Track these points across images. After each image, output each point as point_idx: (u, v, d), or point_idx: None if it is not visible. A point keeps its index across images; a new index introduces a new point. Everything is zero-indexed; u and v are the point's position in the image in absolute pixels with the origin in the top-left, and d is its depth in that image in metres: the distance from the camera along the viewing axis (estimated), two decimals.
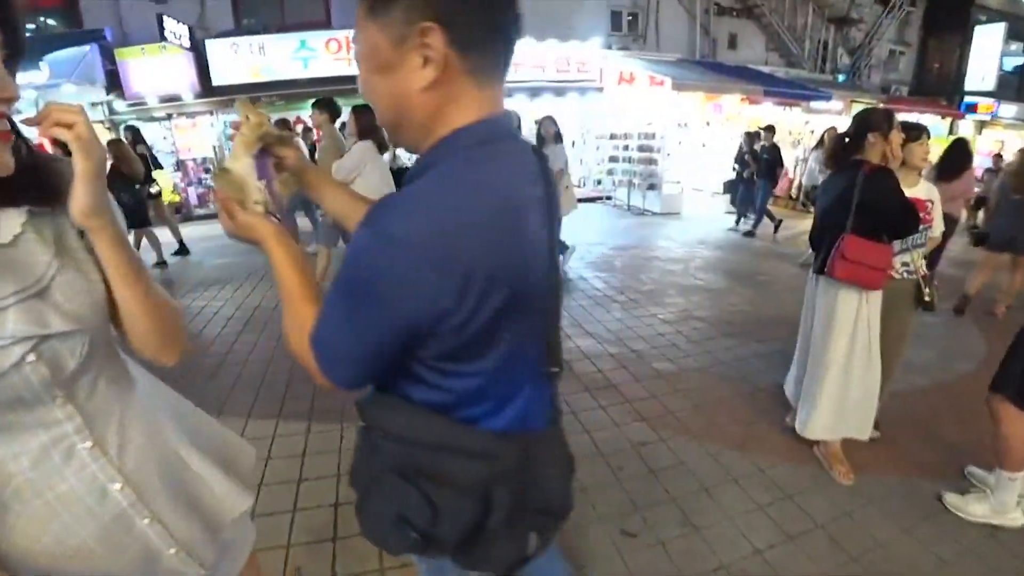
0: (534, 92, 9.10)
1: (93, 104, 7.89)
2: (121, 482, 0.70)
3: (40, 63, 6.74)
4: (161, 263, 5.50)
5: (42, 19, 8.75)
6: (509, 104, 0.71)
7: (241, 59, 8.33)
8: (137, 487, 0.72)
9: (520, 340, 0.70)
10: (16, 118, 0.63)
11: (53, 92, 6.91)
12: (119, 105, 8.36)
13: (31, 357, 0.61)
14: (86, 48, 7.62)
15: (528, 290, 0.67)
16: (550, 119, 4.89)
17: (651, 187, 8.55)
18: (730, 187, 7.78)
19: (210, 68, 8.34)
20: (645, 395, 2.84)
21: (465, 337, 0.63)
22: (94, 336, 0.68)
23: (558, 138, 4.86)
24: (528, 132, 6.27)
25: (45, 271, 0.64)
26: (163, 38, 7.54)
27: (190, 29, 8.27)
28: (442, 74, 0.61)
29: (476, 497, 0.70)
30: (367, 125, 3.41)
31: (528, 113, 7.05)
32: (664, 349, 3.45)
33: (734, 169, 7.56)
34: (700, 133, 9.83)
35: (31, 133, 0.66)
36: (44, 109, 0.59)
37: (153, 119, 8.60)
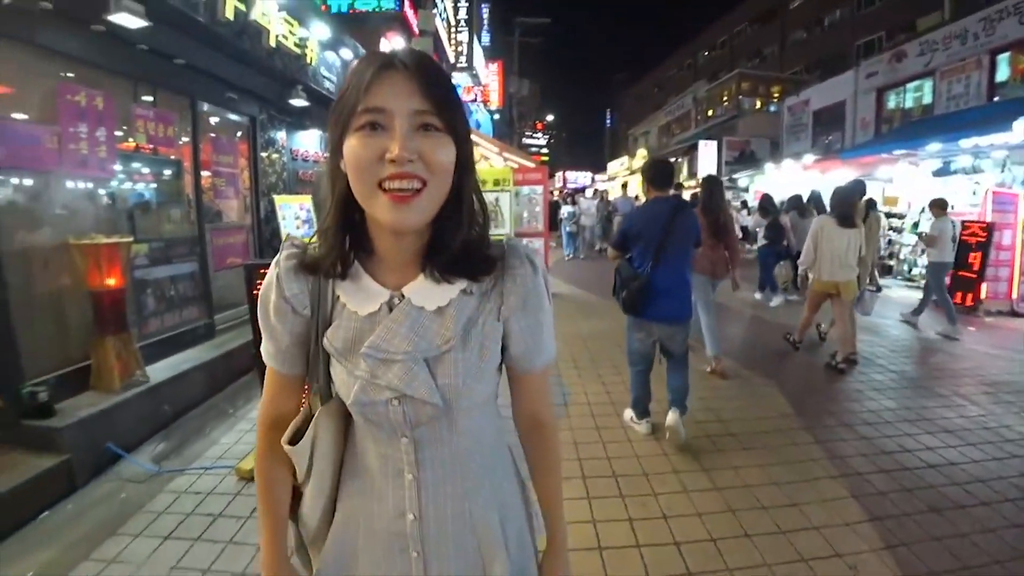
0: None
1: None
2: (415, 515, 0.75)
3: (1015, 122, 6.67)
4: None
5: None
6: None
7: None
8: (423, 525, 0.75)
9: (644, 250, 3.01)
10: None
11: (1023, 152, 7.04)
12: None
13: (395, 402, 0.71)
14: None
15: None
16: None
17: None
18: None
19: None
20: None
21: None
22: (450, 412, 0.72)
23: None
24: None
25: (442, 345, 0.71)
26: None
27: None
28: None
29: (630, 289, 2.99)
30: None
31: None
32: None
33: None
34: None
35: None
36: None
37: None
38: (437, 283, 0.71)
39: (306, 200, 5.72)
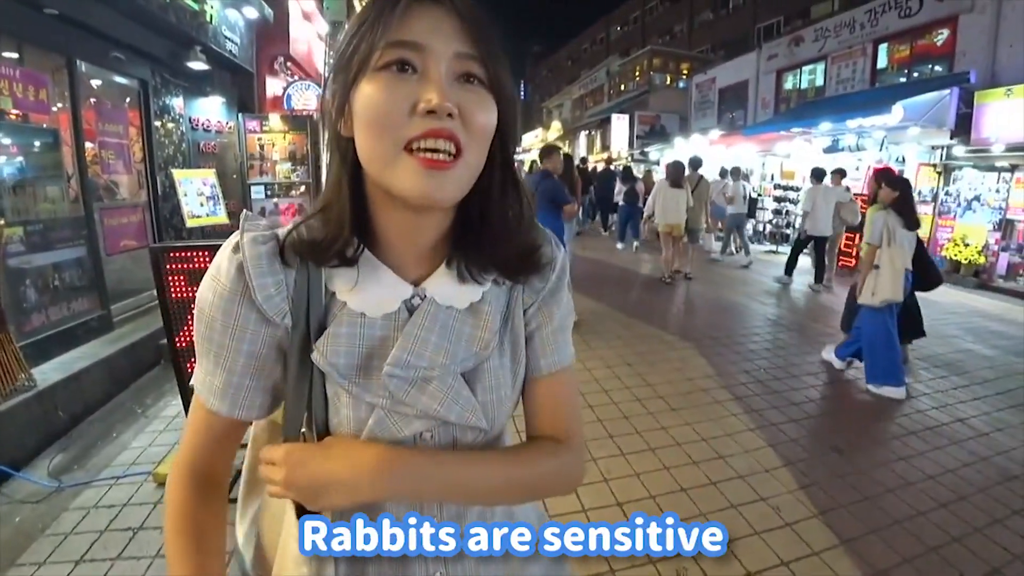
0: None
1: (933, 147, 8.24)
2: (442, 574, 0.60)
3: (894, 106, 7.25)
4: None
5: (925, 67, 9.55)
6: None
7: None
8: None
9: None
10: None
11: (899, 133, 7.86)
12: (958, 150, 8.00)
13: (427, 435, 0.56)
14: (945, 92, 7.70)
15: None
16: None
17: None
18: None
19: None
20: None
21: None
22: (489, 437, 0.60)
23: None
24: None
25: (481, 352, 0.57)
26: None
27: None
28: None
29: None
30: None
31: None
32: None
33: None
34: None
35: None
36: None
37: (993, 168, 7.68)
38: (463, 282, 0.57)
39: (210, 174, 5.22)
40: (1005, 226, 7.45)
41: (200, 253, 2.15)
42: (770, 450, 2.77)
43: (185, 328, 2.20)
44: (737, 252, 8.90)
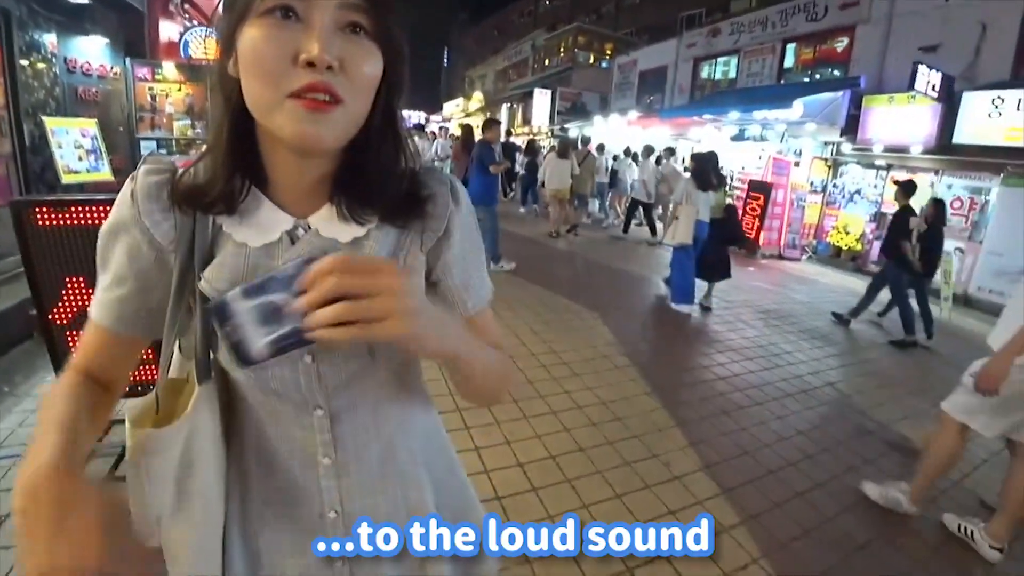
0: None
1: (825, 143, 9.13)
2: (337, 512, 0.62)
3: (794, 102, 8.08)
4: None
5: (825, 69, 10.55)
6: None
7: (1004, 117, 6.85)
8: (348, 520, 0.63)
9: None
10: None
11: (798, 127, 8.65)
12: (846, 147, 8.87)
13: (307, 358, 0.57)
14: (839, 93, 8.61)
15: None
16: None
17: None
18: None
19: (956, 123, 7.33)
20: None
21: None
22: (376, 364, 0.60)
23: None
24: None
25: None
26: (911, 87, 7.27)
27: (947, 79, 7.48)
28: None
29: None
30: None
31: None
32: None
33: None
34: None
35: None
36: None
37: (872, 166, 8.66)
38: (344, 221, 0.58)
39: (90, 125, 4.62)
40: (880, 218, 8.40)
41: (75, 209, 1.90)
42: (663, 411, 2.99)
43: (62, 301, 1.96)
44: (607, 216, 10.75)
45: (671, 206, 5.09)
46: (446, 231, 0.63)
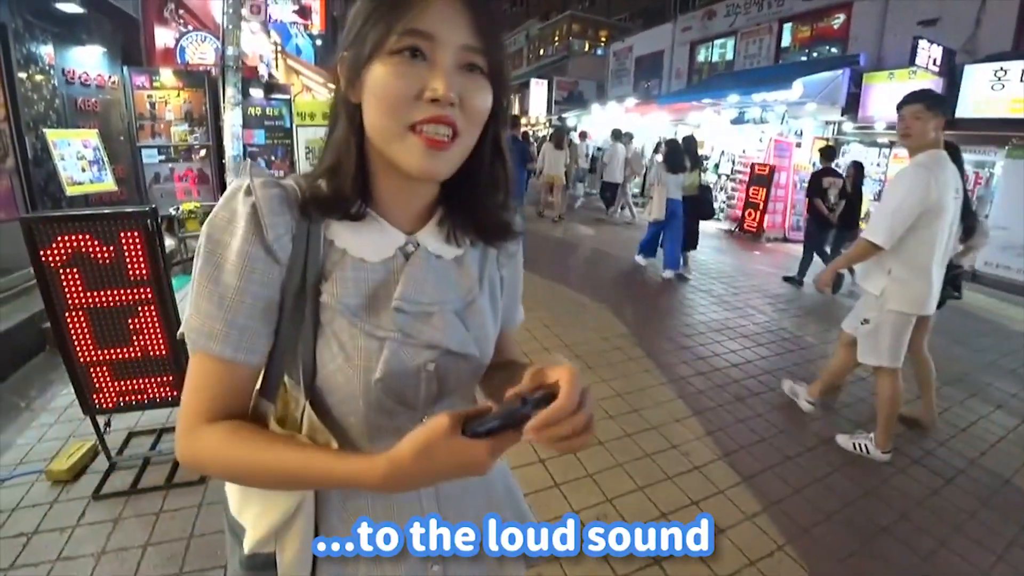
0: None
1: (827, 123, 9.19)
2: (436, 509, 0.66)
3: (794, 83, 7.99)
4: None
5: (823, 48, 10.47)
6: None
7: (1007, 89, 6.79)
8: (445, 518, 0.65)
9: None
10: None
11: (799, 108, 8.58)
12: (847, 126, 8.88)
13: (431, 366, 0.61)
14: (838, 72, 8.52)
15: None
16: None
17: None
18: None
19: (959, 97, 7.21)
20: None
21: None
22: (478, 369, 0.68)
23: None
24: None
25: (467, 295, 0.66)
26: (912, 63, 7.26)
27: (948, 53, 7.43)
28: None
29: None
30: None
31: None
32: None
33: None
34: None
35: None
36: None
37: (875, 144, 8.65)
38: (448, 241, 0.66)
39: (91, 136, 4.61)
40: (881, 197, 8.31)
41: (82, 224, 1.92)
42: (680, 402, 3.01)
43: (72, 311, 1.98)
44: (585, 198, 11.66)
45: (647, 187, 5.96)
46: (517, 255, 0.74)
